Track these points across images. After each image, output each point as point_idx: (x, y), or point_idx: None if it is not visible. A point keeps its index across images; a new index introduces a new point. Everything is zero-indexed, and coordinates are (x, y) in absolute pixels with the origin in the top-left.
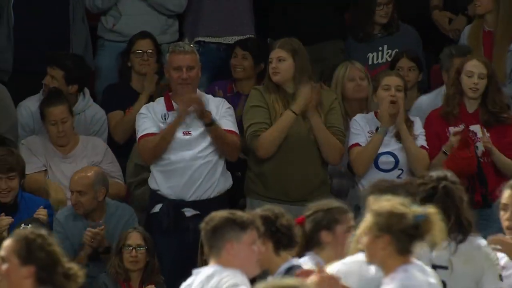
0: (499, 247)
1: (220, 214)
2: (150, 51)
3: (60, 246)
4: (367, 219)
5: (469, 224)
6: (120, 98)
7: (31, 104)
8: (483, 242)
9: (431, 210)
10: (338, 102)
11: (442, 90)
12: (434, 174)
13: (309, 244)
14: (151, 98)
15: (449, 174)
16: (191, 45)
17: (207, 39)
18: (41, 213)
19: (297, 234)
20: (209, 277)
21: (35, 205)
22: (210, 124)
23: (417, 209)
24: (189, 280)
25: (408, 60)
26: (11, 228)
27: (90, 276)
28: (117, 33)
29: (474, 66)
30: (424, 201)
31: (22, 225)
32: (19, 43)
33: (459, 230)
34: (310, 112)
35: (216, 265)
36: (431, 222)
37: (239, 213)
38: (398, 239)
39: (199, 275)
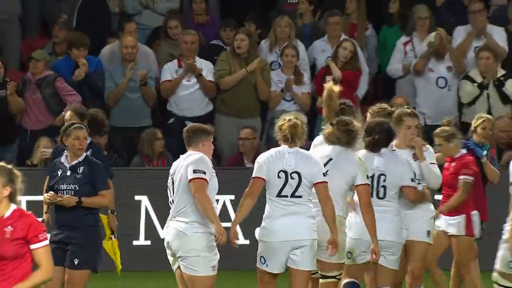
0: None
1: (196, 125)
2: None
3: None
4: None
5: (350, 137)
6: None
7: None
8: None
9: None
10: (268, 65)
11: None
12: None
13: None
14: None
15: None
16: (194, 32)
17: None
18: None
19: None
20: (189, 154)
21: None
22: (198, 77)
23: None
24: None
25: None
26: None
27: None
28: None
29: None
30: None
31: None
32: None
33: (339, 142)
34: (256, 73)
35: (194, 151)
36: None
37: (204, 125)
38: None
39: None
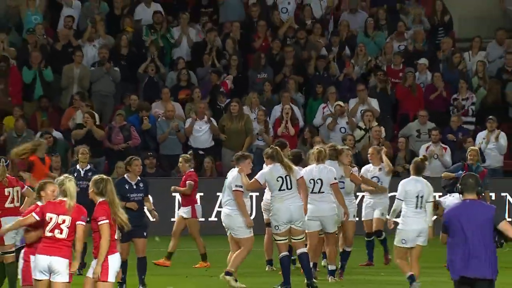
0: None
1: (238, 154)
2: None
3: None
4: None
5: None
6: None
7: None
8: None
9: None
10: (250, 118)
11: None
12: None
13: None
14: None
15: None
16: (203, 102)
17: None
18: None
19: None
20: (232, 171)
21: None
22: (208, 122)
23: None
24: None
25: None
26: None
27: None
28: None
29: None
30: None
31: None
32: None
33: (330, 157)
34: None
35: (238, 168)
36: None
37: (245, 153)
38: None
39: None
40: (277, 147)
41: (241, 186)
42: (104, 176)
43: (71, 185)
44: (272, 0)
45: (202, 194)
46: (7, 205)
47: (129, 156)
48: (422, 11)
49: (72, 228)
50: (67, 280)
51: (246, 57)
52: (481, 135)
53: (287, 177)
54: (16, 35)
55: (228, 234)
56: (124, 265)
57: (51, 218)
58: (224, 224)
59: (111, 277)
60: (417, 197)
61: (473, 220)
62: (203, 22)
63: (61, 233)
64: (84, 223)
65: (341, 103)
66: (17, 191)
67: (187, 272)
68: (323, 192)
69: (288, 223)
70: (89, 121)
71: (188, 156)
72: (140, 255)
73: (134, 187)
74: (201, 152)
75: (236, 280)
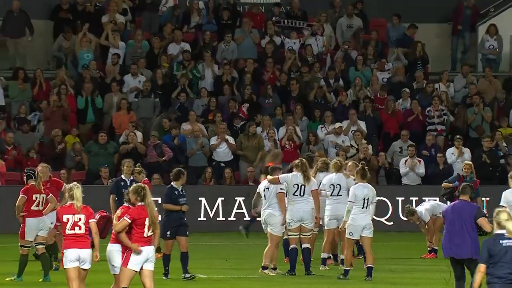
0: None
1: (273, 166)
2: None
3: None
4: None
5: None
6: None
7: None
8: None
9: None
10: (262, 138)
11: None
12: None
13: None
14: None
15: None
16: (224, 123)
17: None
18: None
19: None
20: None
21: None
22: (225, 142)
23: None
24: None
25: None
26: None
27: None
28: None
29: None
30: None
31: None
32: None
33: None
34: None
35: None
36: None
37: (279, 166)
38: None
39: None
40: (304, 159)
41: (282, 189)
42: (142, 185)
43: (77, 191)
44: (280, 40)
45: (223, 198)
46: (33, 207)
47: (177, 169)
48: (401, 51)
49: (87, 224)
50: (90, 267)
51: (258, 87)
52: (450, 151)
53: (303, 186)
54: (73, 69)
55: (266, 231)
56: (167, 258)
57: (68, 219)
58: (265, 221)
59: (131, 265)
60: (364, 199)
61: (461, 214)
62: (221, 59)
63: (80, 229)
64: (95, 220)
65: (339, 127)
66: (43, 198)
67: (209, 263)
68: (340, 196)
69: (299, 221)
70: (133, 138)
71: (139, 168)
72: (184, 250)
73: (181, 193)
74: (222, 164)
75: (272, 269)
